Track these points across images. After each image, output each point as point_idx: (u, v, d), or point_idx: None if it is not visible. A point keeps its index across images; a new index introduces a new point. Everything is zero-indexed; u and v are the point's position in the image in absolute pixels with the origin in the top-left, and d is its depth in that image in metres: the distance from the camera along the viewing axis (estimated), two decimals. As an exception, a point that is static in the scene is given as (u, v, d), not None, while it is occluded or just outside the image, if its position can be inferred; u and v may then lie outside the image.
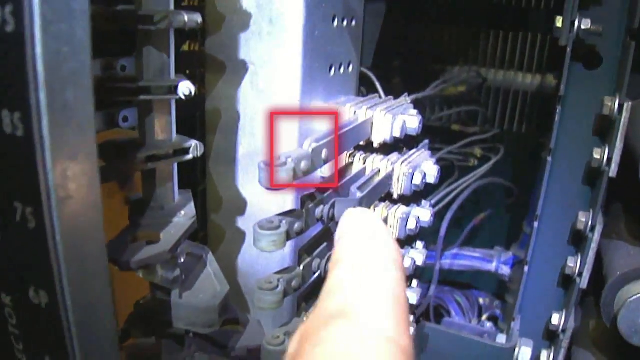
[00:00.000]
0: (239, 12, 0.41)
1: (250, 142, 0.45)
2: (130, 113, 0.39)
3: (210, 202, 0.47)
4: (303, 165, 0.34)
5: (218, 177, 0.47)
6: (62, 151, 0.24)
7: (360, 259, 0.26)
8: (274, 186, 0.32)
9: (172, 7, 0.33)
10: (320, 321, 0.22)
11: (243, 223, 0.47)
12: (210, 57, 0.43)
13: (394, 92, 0.57)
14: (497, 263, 0.72)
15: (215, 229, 0.48)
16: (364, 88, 0.56)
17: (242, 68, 0.43)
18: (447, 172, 0.73)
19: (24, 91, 0.23)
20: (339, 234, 0.30)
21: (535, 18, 0.76)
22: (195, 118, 0.48)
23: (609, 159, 0.51)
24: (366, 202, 0.40)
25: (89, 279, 0.27)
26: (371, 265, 0.25)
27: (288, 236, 0.34)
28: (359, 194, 0.39)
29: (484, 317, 0.76)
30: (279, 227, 0.33)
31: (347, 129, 0.40)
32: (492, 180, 0.69)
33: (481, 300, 0.79)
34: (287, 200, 0.44)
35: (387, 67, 0.77)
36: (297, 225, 0.35)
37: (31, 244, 0.26)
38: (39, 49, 0.23)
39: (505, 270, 0.72)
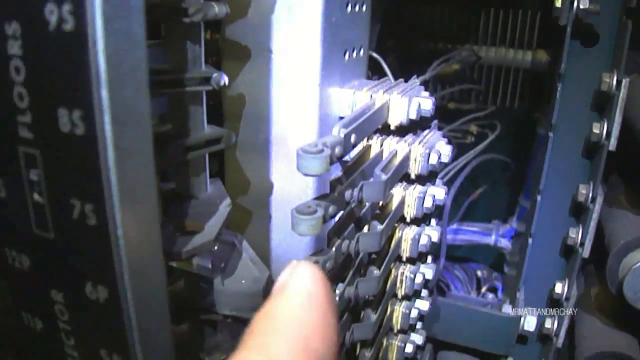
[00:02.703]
0: (256, 0, 0.42)
1: (268, 129, 0.45)
2: (152, 104, 0.39)
3: (229, 188, 0.48)
4: (337, 151, 0.34)
5: (236, 163, 0.47)
6: (122, 148, 0.25)
7: (264, 351, 0.21)
8: (312, 173, 0.33)
9: (201, -3, 0.33)
10: None
11: (263, 208, 0.47)
12: (228, 45, 0.44)
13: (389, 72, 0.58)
14: (496, 236, 0.75)
15: (235, 214, 0.48)
16: (369, 71, 0.57)
17: (260, 55, 0.43)
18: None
19: (85, 90, 0.24)
20: (272, 291, 0.25)
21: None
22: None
23: (608, 133, 0.53)
24: (390, 182, 0.41)
25: (147, 272, 0.28)
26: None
27: (324, 220, 0.35)
28: (384, 176, 0.40)
29: (484, 288, 0.79)
30: (315, 211, 0.34)
31: (369, 113, 0.40)
32: (492, 156, 0.71)
33: (479, 273, 0.82)
34: (307, 184, 0.45)
35: (382, 47, 0.77)
36: (331, 209, 0.36)
37: (91, 240, 0.26)
38: (100, 47, 0.23)
39: (504, 242, 0.74)
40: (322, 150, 0.33)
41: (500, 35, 0.77)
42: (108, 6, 0.23)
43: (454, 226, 0.76)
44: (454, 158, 0.72)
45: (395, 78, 0.52)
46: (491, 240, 0.75)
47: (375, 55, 0.54)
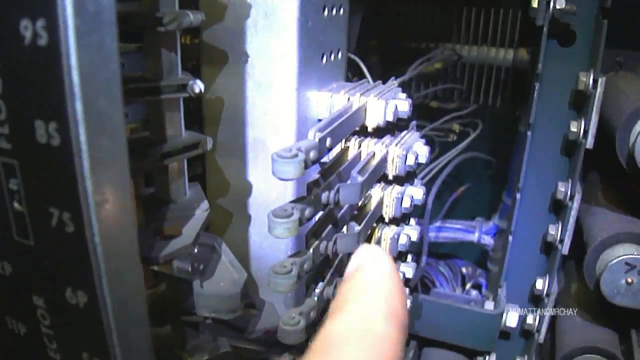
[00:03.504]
0: (233, 6, 0.42)
1: (248, 133, 0.46)
2: (129, 110, 0.40)
3: (210, 191, 0.49)
4: (312, 155, 0.35)
5: (217, 166, 0.48)
6: (97, 157, 0.25)
7: (361, 315, 0.25)
8: (287, 177, 0.34)
9: (177, 6, 0.34)
10: None
11: (244, 211, 0.48)
12: (207, 50, 0.44)
13: (371, 72, 0.59)
14: (479, 233, 0.76)
15: (215, 218, 0.49)
16: (349, 72, 0.58)
17: (238, 60, 0.44)
18: (428, 148, 0.75)
19: (59, 102, 0.24)
20: (349, 272, 0.29)
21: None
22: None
23: (585, 132, 0.54)
24: (367, 184, 0.42)
25: (124, 277, 0.28)
26: (370, 327, 0.24)
27: (300, 222, 0.36)
28: (360, 178, 0.40)
29: (468, 285, 0.80)
30: (292, 214, 0.35)
31: (345, 116, 0.41)
32: (473, 154, 0.72)
33: (464, 270, 0.83)
34: (287, 187, 0.46)
35: (363, 47, 0.78)
36: (307, 212, 0.37)
37: (69, 247, 0.27)
38: (74, 61, 0.24)
39: (487, 239, 0.75)
40: (296, 155, 0.34)
41: (481, 34, 0.78)
42: (80, 21, 0.24)
43: (438, 224, 0.77)
44: (437, 156, 0.73)
45: (379, 77, 0.53)
46: (474, 237, 0.76)
47: (354, 57, 0.55)
